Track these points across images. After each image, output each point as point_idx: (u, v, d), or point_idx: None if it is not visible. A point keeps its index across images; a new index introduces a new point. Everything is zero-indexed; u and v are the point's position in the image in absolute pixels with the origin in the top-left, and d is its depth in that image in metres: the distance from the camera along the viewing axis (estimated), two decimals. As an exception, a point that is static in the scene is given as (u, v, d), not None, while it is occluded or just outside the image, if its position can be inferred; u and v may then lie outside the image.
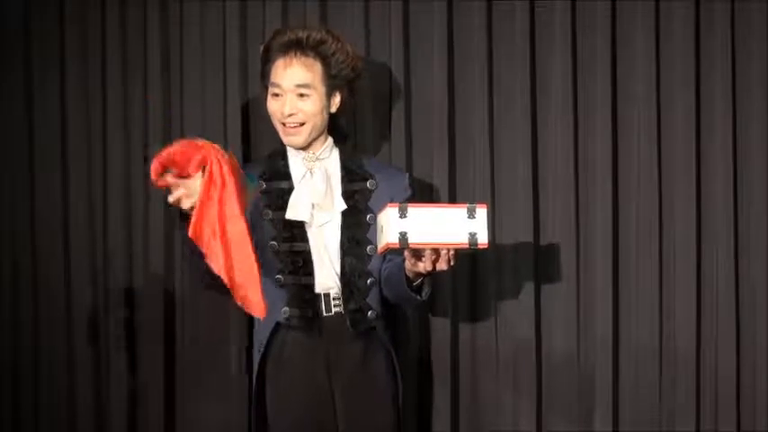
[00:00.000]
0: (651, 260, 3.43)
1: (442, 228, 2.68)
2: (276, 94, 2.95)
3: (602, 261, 3.42)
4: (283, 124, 2.96)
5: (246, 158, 3.38)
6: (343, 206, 2.93)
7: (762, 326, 3.44)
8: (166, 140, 3.42)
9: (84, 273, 3.45)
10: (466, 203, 2.72)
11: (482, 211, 2.70)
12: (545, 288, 3.44)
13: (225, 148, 3.37)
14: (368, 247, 2.93)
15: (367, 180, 2.99)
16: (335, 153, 3.02)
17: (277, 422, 2.94)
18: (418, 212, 2.68)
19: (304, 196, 2.93)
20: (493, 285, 3.43)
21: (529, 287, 3.42)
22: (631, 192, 3.44)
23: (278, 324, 2.94)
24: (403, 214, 2.66)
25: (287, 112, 2.94)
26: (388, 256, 2.93)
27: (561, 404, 3.44)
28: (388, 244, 2.68)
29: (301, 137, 2.96)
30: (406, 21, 3.42)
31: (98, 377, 3.46)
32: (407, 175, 3.12)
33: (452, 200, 3.42)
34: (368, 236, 2.94)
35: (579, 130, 3.43)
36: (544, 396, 3.45)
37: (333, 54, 2.95)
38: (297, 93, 2.93)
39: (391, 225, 2.66)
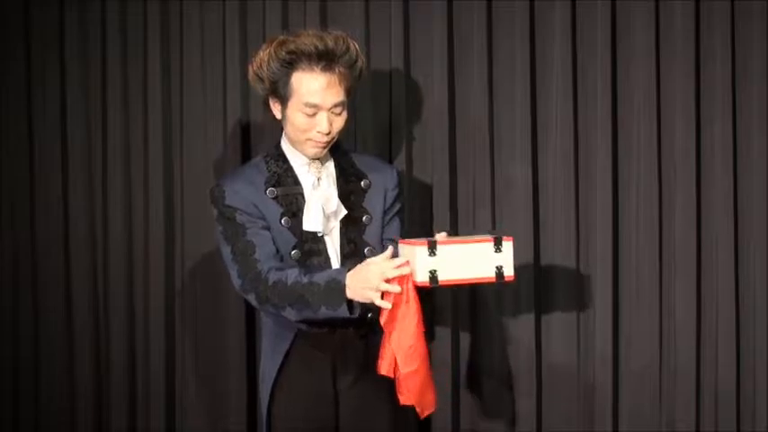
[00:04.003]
0: (651, 259, 3.43)
1: (469, 263, 2.67)
2: (312, 114, 2.83)
3: (601, 259, 3.42)
4: (310, 138, 2.85)
5: (246, 159, 3.38)
6: (345, 212, 2.88)
7: (762, 326, 3.44)
8: (166, 140, 3.43)
9: (85, 273, 3.45)
10: (492, 237, 2.70)
11: (508, 245, 2.70)
12: (545, 286, 3.44)
13: (225, 147, 3.41)
14: (366, 249, 2.91)
15: (361, 180, 2.94)
16: (328, 154, 2.95)
17: (281, 422, 2.93)
18: (447, 249, 2.66)
19: (316, 205, 2.87)
20: (493, 285, 3.42)
21: (529, 286, 3.42)
22: (631, 191, 3.43)
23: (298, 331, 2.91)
24: (432, 252, 2.64)
25: (326, 130, 2.83)
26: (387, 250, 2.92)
27: (561, 403, 3.44)
28: (416, 283, 2.66)
29: (326, 148, 2.89)
30: (406, 20, 3.41)
31: (98, 377, 3.46)
32: (395, 168, 3.07)
33: (453, 200, 3.42)
34: (364, 237, 2.92)
35: (579, 130, 3.43)
36: (544, 396, 3.45)
37: (355, 62, 2.86)
38: (334, 111, 2.83)
39: (420, 263, 2.64)
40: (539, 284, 3.43)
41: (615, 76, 3.42)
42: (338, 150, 2.97)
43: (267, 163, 2.92)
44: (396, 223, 2.98)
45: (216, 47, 3.42)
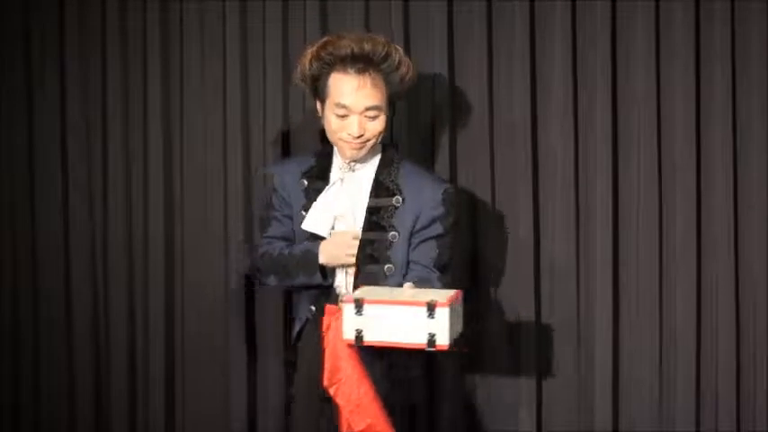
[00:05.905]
0: (651, 259, 3.42)
1: (398, 326, 2.55)
2: (343, 115, 2.83)
3: (602, 259, 3.42)
4: (342, 138, 2.85)
5: (246, 159, 3.38)
6: (360, 224, 2.87)
7: (762, 326, 3.43)
8: (166, 140, 3.44)
9: (84, 273, 3.45)
10: (424, 302, 2.56)
11: (442, 311, 2.53)
12: (545, 285, 3.44)
13: (225, 148, 3.41)
14: (386, 266, 2.87)
15: (393, 196, 2.89)
16: (373, 162, 2.92)
17: (293, 410, 3.00)
18: (375, 309, 2.55)
19: (326, 207, 2.88)
20: (493, 284, 3.43)
21: (529, 285, 3.41)
22: (632, 192, 3.43)
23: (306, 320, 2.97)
24: (359, 311, 2.56)
25: (356, 133, 2.82)
26: (409, 273, 2.87)
27: (561, 403, 3.45)
28: (344, 340, 2.63)
29: (363, 151, 2.87)
30: (406, 20, 3.41)
31: (98, 377, 3.46)
32: (444, 188, 2.92)
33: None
34: (388, 254, 2.87)
35: (579, 130, 3.43)
36: (544, 396, 3.45)
37: (397, 68, 2.85)
38: (366, 114, 2.82)
39: (347, 321, 2.57)
40: (538, 283, 3.43)
41: (615, 76, 3.42)
42: (385, 160, 2.94)
43: (316, 156, 2.99)
44: (426, 247, 2.88)
45: (216, 47, 3.42)
